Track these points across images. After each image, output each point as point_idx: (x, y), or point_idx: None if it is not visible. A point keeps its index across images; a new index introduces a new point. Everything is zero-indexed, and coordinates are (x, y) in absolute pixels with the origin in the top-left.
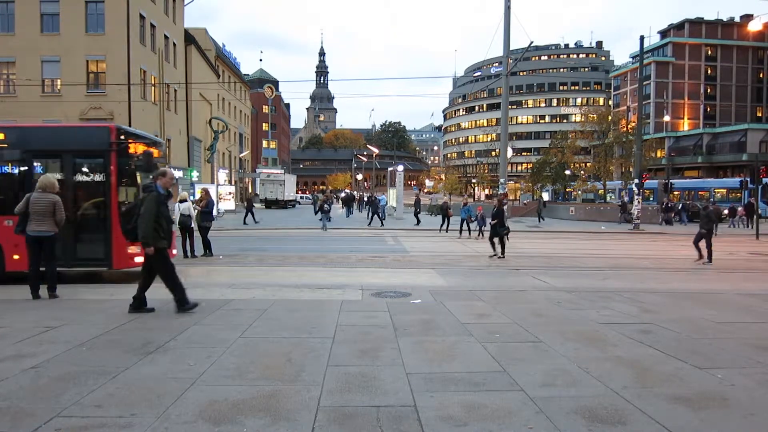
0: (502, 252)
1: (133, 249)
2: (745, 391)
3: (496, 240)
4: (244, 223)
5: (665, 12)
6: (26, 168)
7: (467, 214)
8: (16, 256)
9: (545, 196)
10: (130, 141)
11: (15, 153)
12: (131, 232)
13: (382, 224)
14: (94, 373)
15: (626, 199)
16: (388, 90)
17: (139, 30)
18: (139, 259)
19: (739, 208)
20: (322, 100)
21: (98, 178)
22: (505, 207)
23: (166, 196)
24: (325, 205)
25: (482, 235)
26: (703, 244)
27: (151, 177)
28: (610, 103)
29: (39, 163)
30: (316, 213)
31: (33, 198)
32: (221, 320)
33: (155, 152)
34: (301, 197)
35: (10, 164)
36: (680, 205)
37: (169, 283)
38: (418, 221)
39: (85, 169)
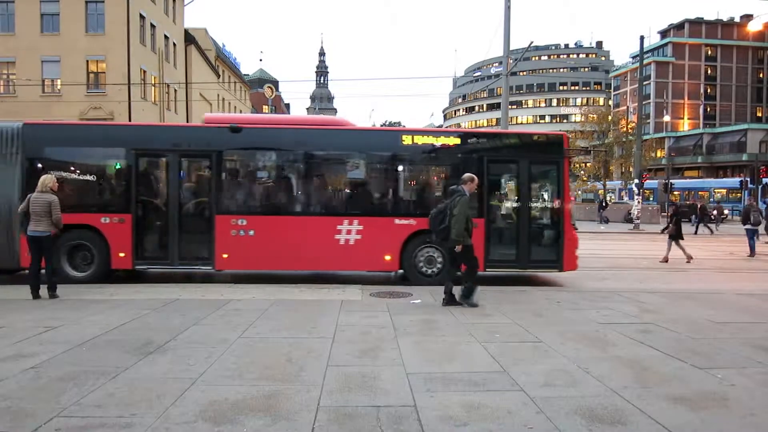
0: None
1: (576, 252)
2: (745, 391)
3: None
4: None
5: (665, 12)
6: (482, 172)
7: None
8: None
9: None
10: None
11: (473, 157)
12: (442, 232)
13: None
14: (94, 373)
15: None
16: (388, 90)
17: (139, 30)
18: (578, 262)
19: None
20: (322, 100)
21: (549, 184)
22: None
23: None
24: None
25: None
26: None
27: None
28: (610, 103)
29: (499, 168)
30: None
31: (32, 198)
32: (221, 320)
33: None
34: None
35: (471, 167)
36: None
37: (471, 275)
38: None
39: (538, 175)
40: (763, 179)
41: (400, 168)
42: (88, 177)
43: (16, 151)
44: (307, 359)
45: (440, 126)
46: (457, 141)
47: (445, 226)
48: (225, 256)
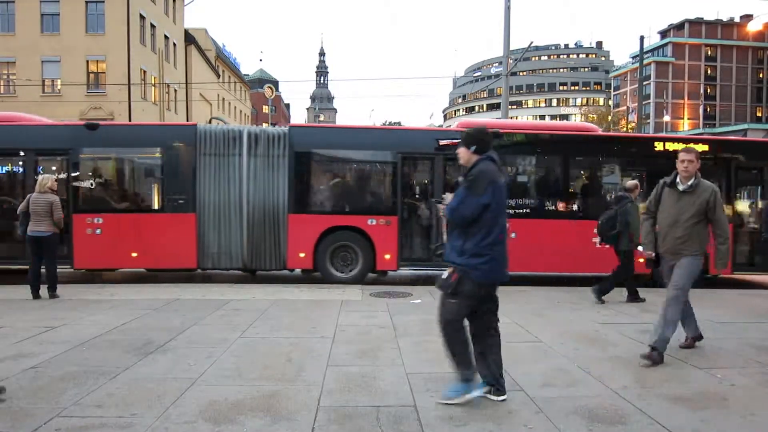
0: None
1: None
2: (745, 391)
3: None
4: None
5: (665, 12)
6: (729, 177)
7: None
8: None
9: None
10: None
11: (720, 162)
12: (614, 238)
13: None
14: (94, 373)
15: None
16: (388, 90)
17: (139, 30)
18: None
19: None
20: (322, 100)
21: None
22: None
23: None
24: None
25: None
26: None
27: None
28: (610, 103)
29: (744, 174)
30: None
31: (33, 198)
32: (221, 320)
33: None
34: None
35: (719, 172)
36: None
37: (617, 277)
38: None
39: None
40: None
41: (651, 172)
42: (353, 179)
43: (283, 153)
44: (307, 359)
45: (440, 126)
46: (705, 148)
47: (617, 231)
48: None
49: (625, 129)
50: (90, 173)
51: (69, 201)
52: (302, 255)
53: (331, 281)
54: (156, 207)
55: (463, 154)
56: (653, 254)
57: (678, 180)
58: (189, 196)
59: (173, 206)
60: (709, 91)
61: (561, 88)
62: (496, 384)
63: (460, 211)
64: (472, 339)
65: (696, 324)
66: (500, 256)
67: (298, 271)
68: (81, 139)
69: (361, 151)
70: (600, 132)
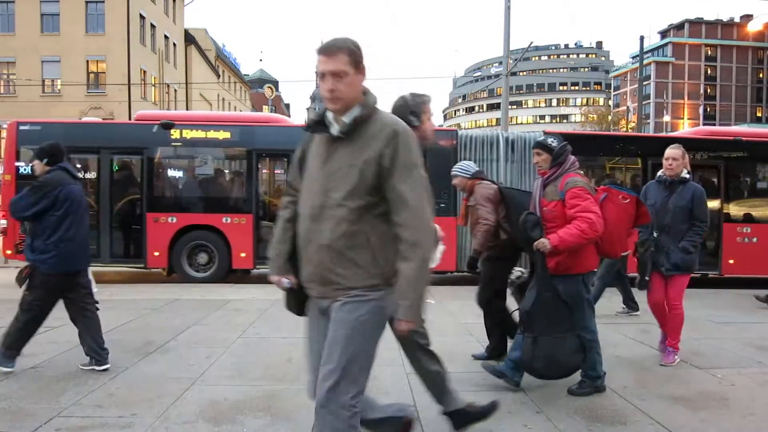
0: None
1: None
2: (745, 391)
3: None
4: None
5: (665, 12)
6: None
7: None
8: None
9: None
10: None
11: None
12: None
13: None
14: (94, 372)
15: None
16: (388, 90)
17: (139, 30)
18: None
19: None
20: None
21: None
22: None
23: None
24: None
25: None
26: None
27: None
28: (610, 103)
29: None
30: None
31: None
32: (221, 320)
33: None
34: None
35: None
36: None
37: None
38: None
39: None
40: None
41: None
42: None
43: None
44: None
45: (440, 126)
46: None
47: None
48: (731, 261)
49: (625, 129)
50: None
51: None
52: None
53: None
54: None
55: (37, 166)
56: (286, 282)
57: (330, 116)
58: (450, 200)
59: (436, 210)
60: (709, 91)
61: (561, 88)
62: (97, 356)
63: (14, 209)
64: (72, 322)
65: None
66: (69, 250)
67: None
68: None
69: (612, 156)
70: None
